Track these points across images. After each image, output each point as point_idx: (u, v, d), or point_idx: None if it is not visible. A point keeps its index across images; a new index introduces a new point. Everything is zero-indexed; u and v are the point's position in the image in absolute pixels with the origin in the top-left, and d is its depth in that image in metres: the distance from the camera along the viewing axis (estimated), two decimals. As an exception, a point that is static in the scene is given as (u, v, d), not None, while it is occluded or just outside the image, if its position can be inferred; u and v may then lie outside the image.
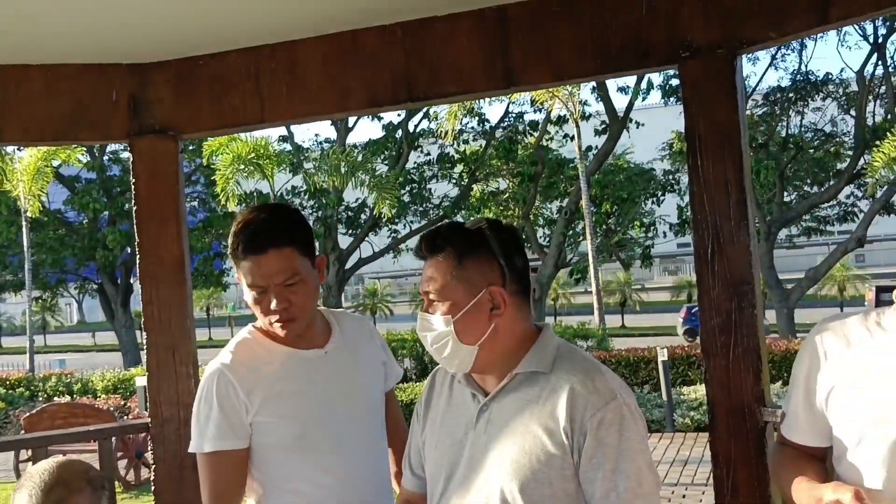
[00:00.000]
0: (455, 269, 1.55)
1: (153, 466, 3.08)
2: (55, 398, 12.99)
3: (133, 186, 3.03)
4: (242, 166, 16.24)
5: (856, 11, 2.15)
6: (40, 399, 13.11)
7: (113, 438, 7.75)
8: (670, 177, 24.18)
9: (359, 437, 2.00)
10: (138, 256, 3.06)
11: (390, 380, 2.17)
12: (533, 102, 19.49)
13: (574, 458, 1.49)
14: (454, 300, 1.56)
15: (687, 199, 25.68)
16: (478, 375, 1.63)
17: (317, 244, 2.02)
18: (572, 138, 21.28)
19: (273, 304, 1.86)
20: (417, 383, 11.92)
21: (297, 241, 1.88)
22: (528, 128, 24.51)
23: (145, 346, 3.04)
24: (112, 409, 9.91)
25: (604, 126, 23.12)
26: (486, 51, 2.59)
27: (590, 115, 24.30)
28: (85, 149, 25.42)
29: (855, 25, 19.31)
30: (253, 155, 16.29)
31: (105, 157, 23.27)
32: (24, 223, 18.65)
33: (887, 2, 2.07)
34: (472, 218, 1.71)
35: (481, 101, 20.20)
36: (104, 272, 22.51)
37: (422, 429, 1.73)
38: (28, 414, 9.98)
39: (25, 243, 19.11)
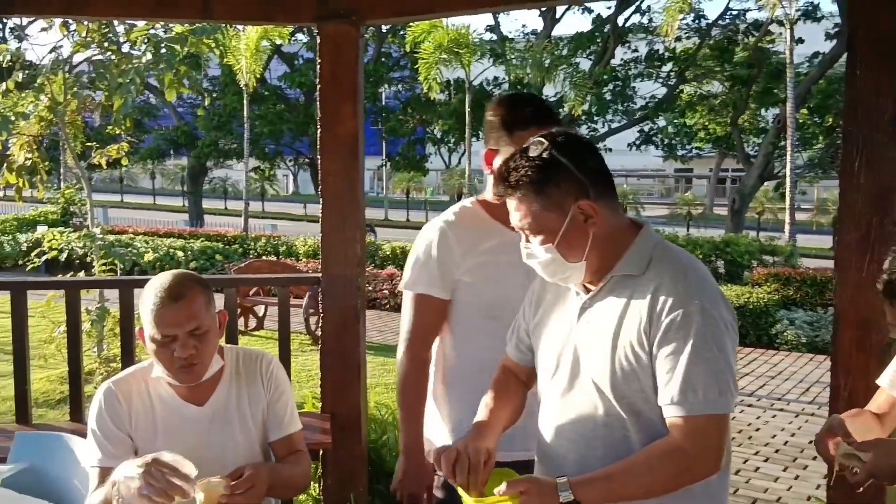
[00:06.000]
0: (538, 200, 1.56)
1: (322, 315, 3.52)
2: (263, 256, 14.67)
3: (318, 67, 3.34)
4: (443, 55, 16.40)
5: None
6: (251, 256, 14.71)
7: (308, 295, 8.71)
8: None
9: None
10: (319, 131, 3.40)
11: None
12: (756, -1, 18.03)
13: (653, 355, 1.56)
14: (548, 227, 1.57)
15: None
16: None
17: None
18: (801, 41, 19.56)
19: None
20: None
21: None
22: (750, 27, 22.84)
23: (321, 212, 3.41)
24: (310, 270, 10.88)
25: (836, 29, 21.04)
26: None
27: (821, 17, 22.13)
28: (305, 29, 26.77)
29: None
30: (452, 44, 16.39)
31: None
32: (244, 96, 20.27)
33: None
34: (535, 141, 1.61)
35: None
36: (315, 148, 23.96)
37: (534, 313, 1.82)
38: (237, 266, 11.33)
39: (245, 115, 20.82)
